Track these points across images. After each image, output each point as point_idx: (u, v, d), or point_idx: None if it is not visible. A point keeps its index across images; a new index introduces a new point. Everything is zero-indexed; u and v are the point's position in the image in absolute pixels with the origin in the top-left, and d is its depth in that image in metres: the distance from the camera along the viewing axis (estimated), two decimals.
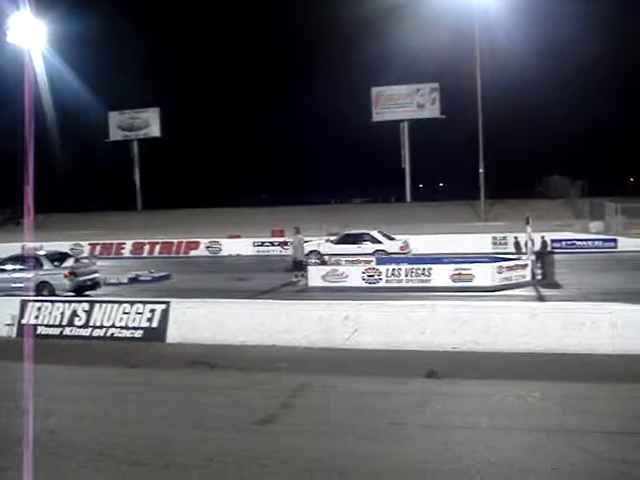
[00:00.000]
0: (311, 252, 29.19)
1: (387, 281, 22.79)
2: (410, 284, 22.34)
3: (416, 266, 22.86)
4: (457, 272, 22.32)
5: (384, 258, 26.11)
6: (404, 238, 30.26)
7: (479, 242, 32.62)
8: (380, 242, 29.43)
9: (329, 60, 57.09)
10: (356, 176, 65.35)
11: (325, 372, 11.88)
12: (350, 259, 26.07)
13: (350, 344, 13.55)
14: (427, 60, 52.87)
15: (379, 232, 30.19)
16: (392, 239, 30.11)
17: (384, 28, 54.68)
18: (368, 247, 29.12)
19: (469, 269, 22.42)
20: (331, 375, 11.68)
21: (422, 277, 22.46)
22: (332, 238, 30.92)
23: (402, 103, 59.39)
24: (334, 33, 57.66)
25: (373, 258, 25.90)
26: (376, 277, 22.93)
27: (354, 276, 23.25)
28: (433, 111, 58.64)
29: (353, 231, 30.69)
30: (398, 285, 22.44)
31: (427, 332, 13.30)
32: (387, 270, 22.99)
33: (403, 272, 22.73)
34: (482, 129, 47.13)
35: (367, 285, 22.81)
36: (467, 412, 9.49)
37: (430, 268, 22.61)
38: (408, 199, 60.32)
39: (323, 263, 26.53)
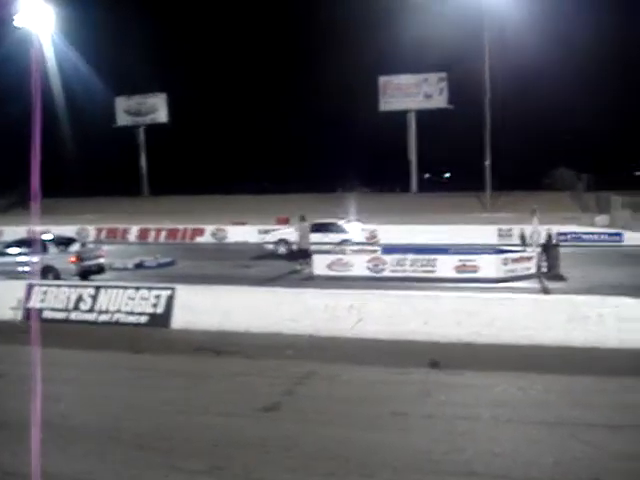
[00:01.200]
0: (280, 240, 30.03)
1: (392, 271, 22.83)
2: (415, 274, 22.39)
3: (421, 256, 22.89)
4: (462, 263, 22.35)
5: (390, 248, 26.11)
6: (372, 228, 30.89)
7: (484, 233, 32.64)
8: (346, 232, 29.86)
9: (336, 48, 56.71)
10: (362, 165, 65.15)
11: (330, 361, 11.94)
12: (354, 248, 26.19)
13: (355, 333, 13.61)
14: (435, 49, 52.56)
15: (346, 221, 30.64)
16: (359, 229, 30.70)
17: (392, 16, 54.40)
18: (335, 236, 29.57)
19: (474, 260, 22.45)
20: (336, 364, 11.74)
21: (427, 268, 22.50)
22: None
23: (409, 93, 59.15)
24: (342, 21, 57.34)
25: (379, 247, 25.91)
26: (381, 267, 22.97)
27: (359, 265, 23.30)
28: (441, 101, 58.38)
29: (321, 221, 30.82)
30: (403, 275, 22.48)
31: (431, 322, 13.33)
32: (392, 260, 23.03)
33: (408, 262, 22.77)
34: (489, 120, 47.02)
35: (372, 275, 22.85)
36: (470, 403, 9.54)
37: (435, 259, 22.65)
38: (414, 189, 60.23)
39: (291, 252, 27.59)
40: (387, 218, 37.62)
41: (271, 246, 30.57)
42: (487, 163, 47.94)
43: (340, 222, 30.26)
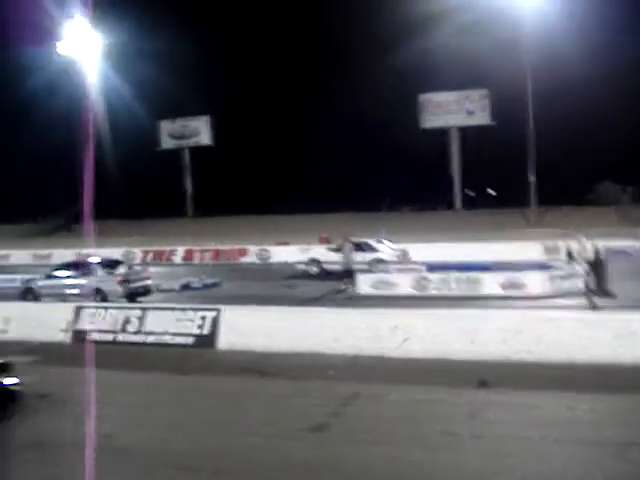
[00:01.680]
0: (311, 260, 30.19)
1: (437, 289, 22.67)
2: (460, 292, 22.20)
3: (466, 274, 22.69)
4: (508, 280, 22.10)
5: (434, 266, 25.93)
6: (402, 247, 30.54)
7: (530, 250, 32.21)
8: (377, 250, 29.51)
9: (376, 67, 56.92)
10: (405, 184, 65.03)
11: (375, 381, 11.89)
12: (399, 267, 26.09)
13: (399, 353, 13.52)
14: (476, 66, 52.52)
15: (377, 241, 30.36)
16: (390, 248, 30.32)
17: (432, 33, 54.42)
18: (366, 255, 29.04)
19: (520, 277, 22.18)
20: (381, 384, 11.69)
21: (472, 285, 22.29)
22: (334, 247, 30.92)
23: (451, 110, 59.07)
24: (381, 39, 57.52)
25: (423, 266, 25.72)
26: (425, 285, 22.82)
27: (403, 284, 23.17)
28: (483, 118, 58.16)
29: (353, 240, 30.62)
30: (448, 293, 22.29)
31: (477, 341, 13.21)
32: (437, 278, 22.87)
33: (453, 280, 22.59)
34: (533, 135, 46.65)
35: (416, 293, 22.70)
36: (518, 423, 9.43)
37: (480, 276, 22.43)
38: (457, 206, 59.92)
39: (322, 272, 28.35)
40: (430, 236, 37.47)
41: (302, 266, 30.69)
42: (532, 179, 47.49)
43: (370, 241, 30.01)
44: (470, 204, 61.38)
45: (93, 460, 8.21)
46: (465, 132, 58.79)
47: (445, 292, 22.35)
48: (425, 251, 32.19)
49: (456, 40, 50.20)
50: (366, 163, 66.95)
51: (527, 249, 32.13)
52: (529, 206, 48.27)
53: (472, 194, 66.56)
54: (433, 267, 25.39)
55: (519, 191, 50.03)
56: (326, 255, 29.73)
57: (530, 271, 23.07)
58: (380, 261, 28.53)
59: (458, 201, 60.07)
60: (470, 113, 58.51)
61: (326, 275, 28.59)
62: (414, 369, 12.58)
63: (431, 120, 59.71)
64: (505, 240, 35.04)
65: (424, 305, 18.46)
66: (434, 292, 22.51)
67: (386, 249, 29.79)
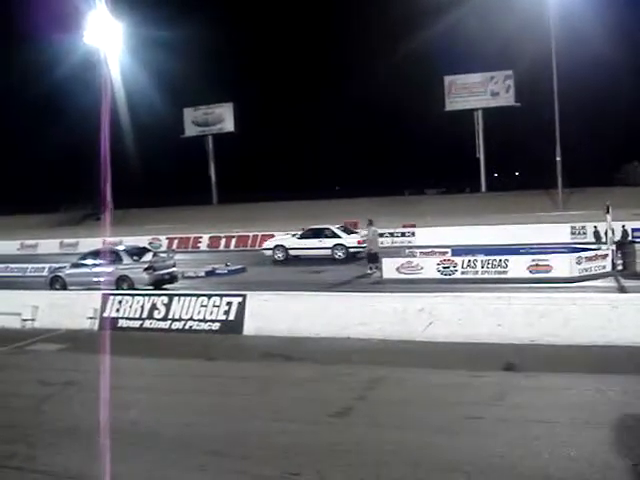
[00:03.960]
0: (276, 246, 31.23)
1: (463, 272, 22.52)
2: (486, 275, 22.04)
3: (492, 257, 22.52)
4: (534, 263, 21.89)
5: (460, 249, 25.78)
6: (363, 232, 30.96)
7: (557, 232, 31.93)
8: (339, 237, 30.13)
9: (400, 49, 56.58)
10: (429, 166, 64.73)
11: (400, 365, 11.85)
12: (424, 250, 26.01)
13: (425, 336, 13.48)
14: (500, 47, 52.01)
15: (339, 227, 30.97)
16: (352, 233, 31.02)
17: (456, 15, 53.90)
18: (328, 241, 30.06)
19: (547, 260, 21.97)
20: (407, 368, 11.66)
21: (498, 268, 22.13)
22: (297, 233, 32.04)
23: (476, 91, 58.60)
24: (405, 21, 57.14)
25: (449, 250, 25.60)
26: (451, 268, 22.69)
27: (429, 268, 23.06)
28: (508, 99, 57.65)
29: (315, 226, 31.53)
30: (474, 277, 22.16)
31: (504, 324, 13.12)
32: (463, 261, 22.72)
33: (479, 263, 22.44)
34: (559, 116, 46.13)
35: (442, 277, 22.60)
36: (545, 406, 9.33)
37: (507, 259, 22.25)
38: (483, 189, 59.53)
39: (287, 257, 29.95)
40: (455, 219, 37.34)
41: (269, 252, 31.46)
42: (558, 160, 46.99)
43: (333, 227, 30.74)
44: (496, 186, 60.94)
45: (122, 446, 8.29)
46: (490, 114, 58.24)
47: (471, 275, 22.24)
48: (451, 234, 32.09)
49: (481, 21, 49.72)
50: (390, 146, 66.76)
51: (554, 231, 31.86)
52: (556, 188, 47.76)
53: (498, 176, 66.17)
54: (459, 250, 25.27)
55: (545, 172, 49.56)
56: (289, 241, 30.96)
57: (557, 253, 22.86)
58: (341, 246, 29.47)
59: (483, 183, 59.63)
60: (495, 94, 58.01)
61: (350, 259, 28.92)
62: (440, 352, 12.52)
63: (456, 102, 59.29)
64: (531, 222, 34.79)
65: (450, 289, 18.38)
66: (460, 275, 22.40)
67: (347, 235, 30.38)
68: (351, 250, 29.62)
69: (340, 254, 29.54)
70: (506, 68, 57.03)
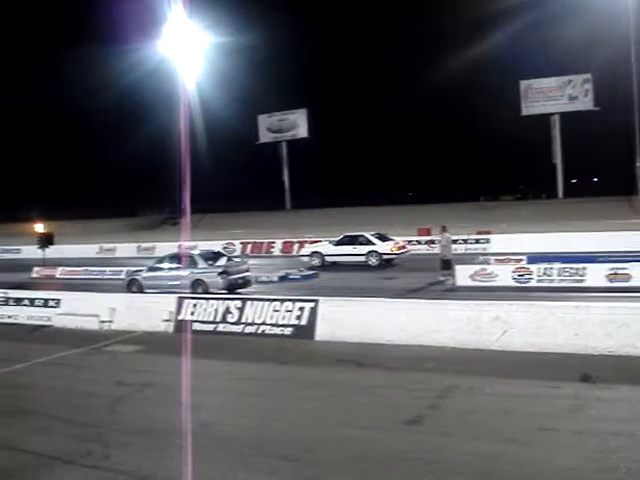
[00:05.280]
0: (313, 252, 31.75)
1: (539, 281, 22.08)
2: (563, 284, 21.55)
3: (569, 265, 22.01)
4: (613, 272, 21.30)
5: (536, 257, 25.29)
6: (399, 240, 31.63)
7: (636, 240, 31.00)
8: (373, 244, 30.21)
9: (476, 53, 55.95)
10: (505, 172, 63.74)
11: (473, 373, 11.69)
12: (499, 258, 25.63)
13: (499, 345, 13.29)
14: (578, 50, 50.89)
15: (374, 234, 30.97)
16: (386, 240, 30.89)
17: (531, 18, 53.00)
18: (362, 248, 30.21)
19: (626, 268, 21.34)
20: (479, 377, 11.49)
21: (576, 277, 21.62)
22: (335, 240, 32.15)
23: (553, 96, 57.50)
24: (481, 25, 56.47)
25: (524, 257, 25.15)
26: (527, 276, 22.28)
27: (504, 275, 22.69)
28: (586, 103, 56.34)
29: (350, 233, 31.54)
30: (550, 285, 21.71)
31: (581, 334, 12.81)
32: (539, 269, 22.28)
33: (555, 271, 21.97)
34: (638, 120, 44.87)
35: (517, 285, 22.21)
36: (623, 419, 9.08)
37: (584, 267, 21.72)
38: (560, 195, 58.33)
39: (323, 263, 30.42)
40: (532, 226, 36.69)
41: (306, 258, 31.78)
42: (638, 165, 45.69)
43: (367, 234, 30.80)
44: (573, 192, 59.58)
45: (194, 448, 8.41)
46: (567, 118, 57.03)
47: (547, 284, 21.79)
48: (527, 241, 31.54)
49: (557, 23, 48.80)
50: (466, 152, 66.05)
51: (633, 239, 30.92)
52: (636, 194, 46.44)
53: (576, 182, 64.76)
54: (535, 258, 24.80)
55: (624, 179, 48.23)
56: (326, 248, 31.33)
57: (637, 262, 22.20)
58: (375, 253, 29.72)
59: (560, 189, 58.42)
60: (573, 99, 56.79)
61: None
62: (514, 362, 12.30)
63: (532, 107, 58.31)
64: (610, 229, 33.85)
65: (525, 297, 18.05)
66: (536, 283, 21.98)
67: (381, 242, 30.42)
68: (385, 257, 29.86)
69: (373, 260, 29.76)
70: (584, 71, 55.77)
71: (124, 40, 51.90)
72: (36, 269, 35.28)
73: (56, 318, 19.45)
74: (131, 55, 53.34)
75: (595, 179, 74.61)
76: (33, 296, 20.89)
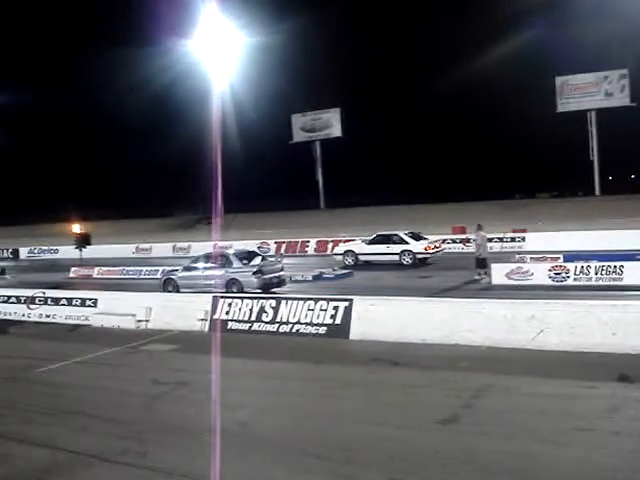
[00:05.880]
0: (347, 251, 31.73)
1: (575, 279, 21.85)
2: (600, 282, 21.29)
3: (607, 263, 21.73)
4: None
5: (572, 255, 25.01)
6: (434, 239, 31.63)
7: None
8: (407, 243, 30.08)
9: (511, 50, 55.50)
10: (541, 169, 63.11)
11: (509, 373, 11.62)
12: (536, 256, 25.40)
13: (535, 345, 13.17)
14: (614, 46, 50.26)
15: (407, 233, 30.89)
16: (420, 239, 30.80)
17: (567, 14, 52.44)
18: (396, 247, 30.08)
19: None
20: (515, 376, 11.42)
21: (613, 275, 21.35)
22: (367, 238, 32.12)
23: (589, 92, 56.91)
24: (516, 20, 56.02)
25: (560, 255, 24.88)
26: (564, 275, 22.06)
27: (540, 274, 22.49)
28: (623, 99, 55.69)
29: (384, 232, 31.49)
30: (587, 283, 21.46)
31: (619, 334, 12.65)
32: (575, 267, 22.05)
33: (593, 270, 21.71)
34: None
35: (554, 283, 21.99)
36: None
37: (622, 265, 21.43)
38: (597, 192, 57.67)
39: (356, 262, 30.50)
40: (568, 224, 36.31)
41: (340, 257, 31.70)
42: None
43: (401, 233, 30.75)
44: (610, 190, 58.86)
45: (229, 446, 8.48)
46: (603, 115, 56.32)
47: (584, 282, 21.55)
48: (563, 239, 31.23)
49: (594, 19, 48.19)
50: (501, 150, 65.55)
51: None
52: None
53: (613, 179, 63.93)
54: (571, 256, 24.52)
55: None
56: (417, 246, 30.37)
57: None
58: (409, 252, 29.60)
59: (597, 187, 57.72)
60: (609, 95, 56.15)
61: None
62: (550, 362, 12.19)
63: (568, 103, 57.77)
64: None
65: (562, 296, 17.89)
66: (572, 282, 21.75)
67: (415, 241, 30.31)
68: (419, 256, 29.71)
69: (407, 260, 29.61)
70: (620, 67, 55.02)
71: (158, 41, 52.34)
72: (73, 269, 35.73)
73: (93, 317, 19.71)
74: (166, 56, 53.82)
75: (632, 176, 73.60)
76: (71, 296, 21.20)
